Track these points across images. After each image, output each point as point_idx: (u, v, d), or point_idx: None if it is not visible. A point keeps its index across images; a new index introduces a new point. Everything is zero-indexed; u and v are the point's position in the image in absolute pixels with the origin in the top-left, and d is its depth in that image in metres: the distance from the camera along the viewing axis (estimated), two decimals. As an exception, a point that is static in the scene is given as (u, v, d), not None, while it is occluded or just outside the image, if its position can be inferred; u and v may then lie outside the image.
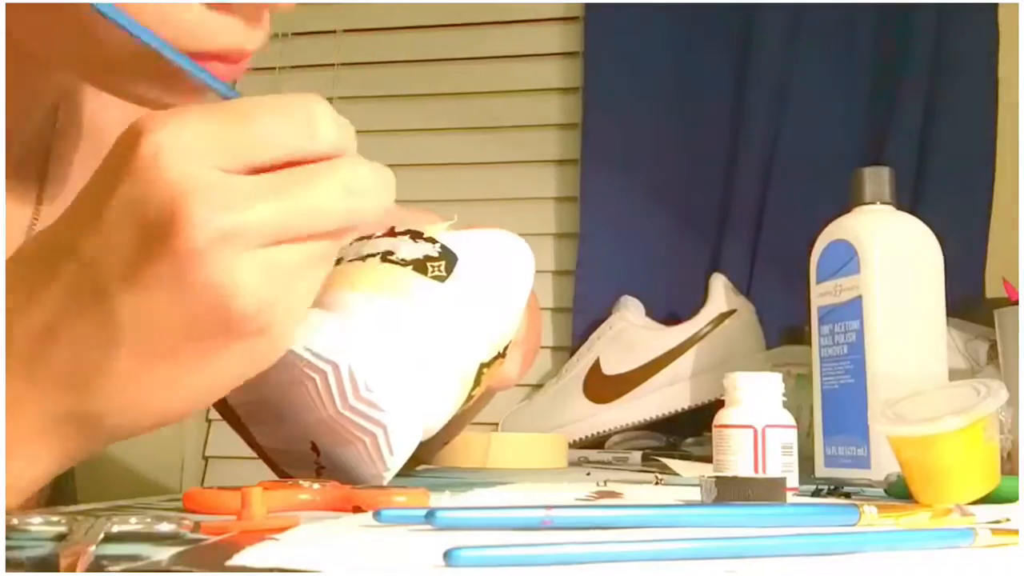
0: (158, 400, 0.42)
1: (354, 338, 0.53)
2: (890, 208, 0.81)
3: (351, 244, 0.59)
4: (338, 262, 0.57)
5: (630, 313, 1.26)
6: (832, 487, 0.68)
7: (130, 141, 0.39)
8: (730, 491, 0.52)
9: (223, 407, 0.61)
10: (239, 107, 0.40)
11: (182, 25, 0.45)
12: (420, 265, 0.57)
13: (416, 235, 0.58)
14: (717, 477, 0.53)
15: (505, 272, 0.61)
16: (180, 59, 0.44)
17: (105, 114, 0.63)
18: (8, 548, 0.34)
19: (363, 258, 0.57)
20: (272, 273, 0.40)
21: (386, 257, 0.57)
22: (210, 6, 0.46)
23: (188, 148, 0.38)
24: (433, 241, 0.58)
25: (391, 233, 0.59)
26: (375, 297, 0.55)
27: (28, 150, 0.59)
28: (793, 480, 0.65)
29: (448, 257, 0.57)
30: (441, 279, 0.57)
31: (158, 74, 0.45)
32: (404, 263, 0.56)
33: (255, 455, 0.65)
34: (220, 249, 0.38)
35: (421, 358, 0.56)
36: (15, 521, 0.36)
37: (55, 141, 0.61)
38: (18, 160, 0.58)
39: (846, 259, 0.79)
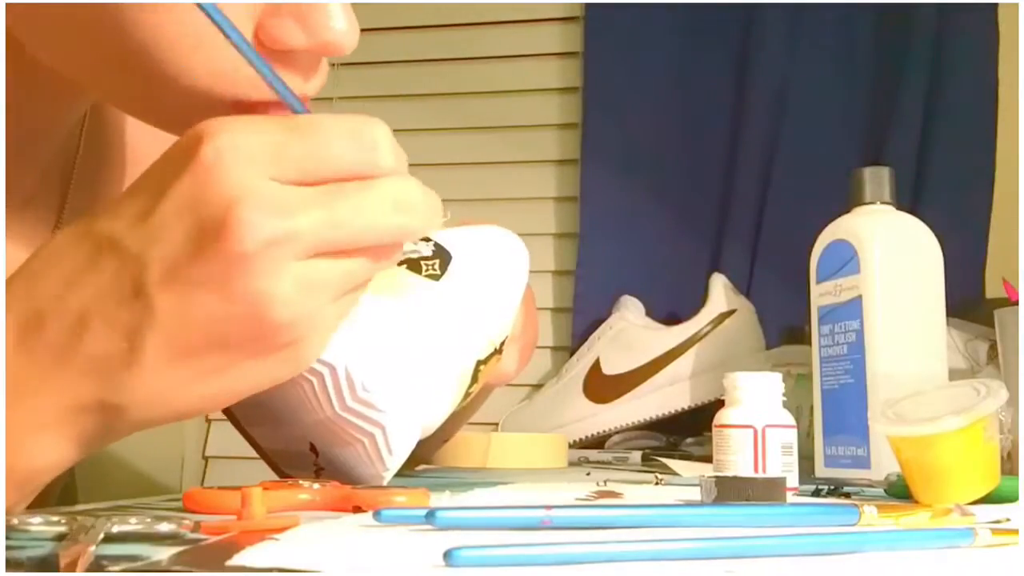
0: (178, 399, 0.42)
1: (350, 339, 0.53)
2: (890, 208, 0.81)
3: None
4: None
5: (630, 313, 1.26)
6: (832, 487, 0.68)
7: (191, 143, 0.40)
8: (730, 491, 0.52)
9: (225, 409, 0.61)
10: (304, 121, 0.41)
11: (241, 77, 0.44)
12: (414, 264, 0.56)
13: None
14: (717, 477, 0.53)
15: (500, 269, 0.61)
16: (265, 69, 0.43)
17: (132, 129, 0.63)
18: (8, 548, 0.34)
19: None
20: (311, 287, 0.40)
21: None
22: (270, 55, 0.45)
23: (248, 155, 0.39)
24: (427, 239, 0.57)
25: None
26: (369, 297, 0.55)
27: (49, 170, 0.58)
28: (793, 480, 0.65)
29: (442, 255, 0.57)
30: (435, 277, 0.57)
31: (200, 114, 0.43)
32: (398, 262, 0.57)
33: (255, 455, 0.65)
34: (268, 255, 0.39)
35: (418, 357, 0.56)
36: (15, 521, 0.36)
37: (79, 159, 0.60)
38: (38, 181, 0.57)
39: (846, 259, 0.79)
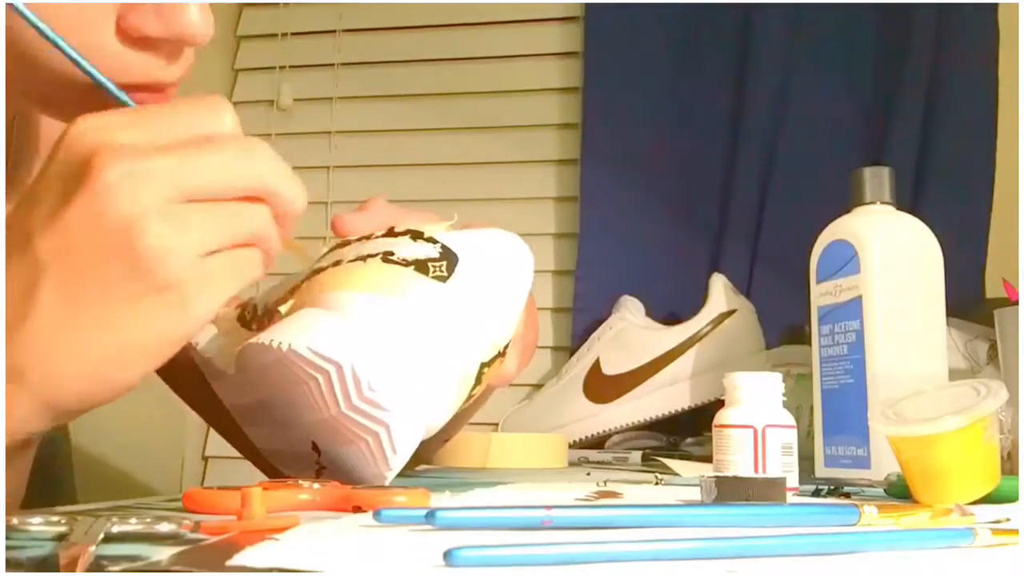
0: (86, 357, 0.43)
1: (357, 338, 0.53)
2: (890, 208, 0.81)
3: (351, 245, 0.59)
4: (337, 263, 0.58)
5: (630, 313, 1.26)
6: (832, 487, 0.68)
7: (62, 136, 0.44)
8: (731, 491, 0.52)
9: (214, 415, 0.60)
10: (153, 106, 0.47)
11: (101, 58, 0.48)
12: (421, 265, 0.57)
13: (416, 235, 0.58)
14: (717, 477, 0.53)
15: (505, 272, 0.61)
16: (104, 80, 0.48)
17: (53, 131, 0.65)
18: (8, 548, 0.34)
19: (363, 258, 0.57)
20: (181, 227, 0.43)
21: (387, 257, 0.57)
22: (131, 42, 0.49)
23: (106, 126, 0.44)
24: (434, 241, 0.58)
25: (391, 233, 0.59)
26: (376, 297, 0.55)
27: None
28: (793, 480, 0.65)
29: (449, 257, 0.57)
30: (442, 279, 0.57)
31: (90, 105, 0.47)
32: (405, 263, 0.56)
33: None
34: (130, 185, 0.42)
35: (423, 358, 0.56)
36: (15, 521, 0.36)
37: (13, 156, 0.63)
38: None
39: (846, 259, 0.79)
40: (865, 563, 0.37)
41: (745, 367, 0.88)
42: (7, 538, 0.35)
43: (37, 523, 0.36)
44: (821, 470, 0.78)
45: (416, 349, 0.55)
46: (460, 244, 0.58)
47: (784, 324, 1.26)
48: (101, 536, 0.34)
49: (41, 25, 0.46)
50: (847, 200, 0.82)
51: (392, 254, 0.57)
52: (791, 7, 1.36)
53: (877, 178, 0.81)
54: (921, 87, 1.31)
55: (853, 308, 0.77)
